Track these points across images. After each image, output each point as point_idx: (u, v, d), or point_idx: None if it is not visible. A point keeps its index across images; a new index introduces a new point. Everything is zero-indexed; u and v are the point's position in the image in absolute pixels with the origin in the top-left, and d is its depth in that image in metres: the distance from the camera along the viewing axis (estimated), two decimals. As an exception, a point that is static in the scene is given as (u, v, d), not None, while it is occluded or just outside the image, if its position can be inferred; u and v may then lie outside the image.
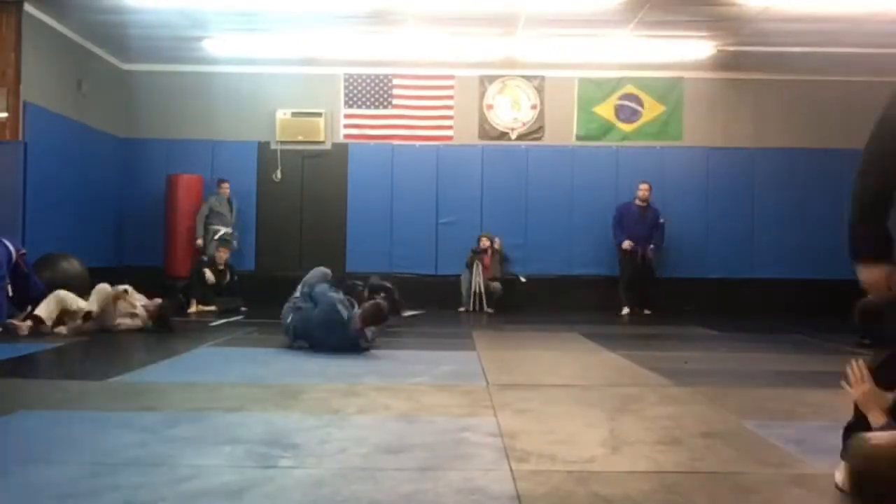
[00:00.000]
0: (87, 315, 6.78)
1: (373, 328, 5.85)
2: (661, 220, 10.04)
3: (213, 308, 8.92)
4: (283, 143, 10.62)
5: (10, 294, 6.88)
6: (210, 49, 9.69)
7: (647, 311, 9.85)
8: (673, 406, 3.87)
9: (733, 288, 10.42)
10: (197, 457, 2.81)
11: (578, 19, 8.49)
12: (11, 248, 6.96)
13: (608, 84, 10.74)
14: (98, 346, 6.11)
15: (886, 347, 2.56)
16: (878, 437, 2.33)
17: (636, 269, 9.88)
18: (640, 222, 9.95)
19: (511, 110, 10.79)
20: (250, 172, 10.67)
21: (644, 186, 9.98)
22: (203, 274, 9.06)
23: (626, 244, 9.84)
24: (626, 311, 9.82)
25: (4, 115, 8.01)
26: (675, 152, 10.70)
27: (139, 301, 7.10)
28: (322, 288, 5.93)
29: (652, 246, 9.91)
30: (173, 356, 5.46)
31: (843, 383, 2.52)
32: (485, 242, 10.12)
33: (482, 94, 10.77)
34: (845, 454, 2.47)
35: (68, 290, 7.00)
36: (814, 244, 10.51)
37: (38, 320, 6.63)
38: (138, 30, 9.07)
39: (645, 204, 9.99)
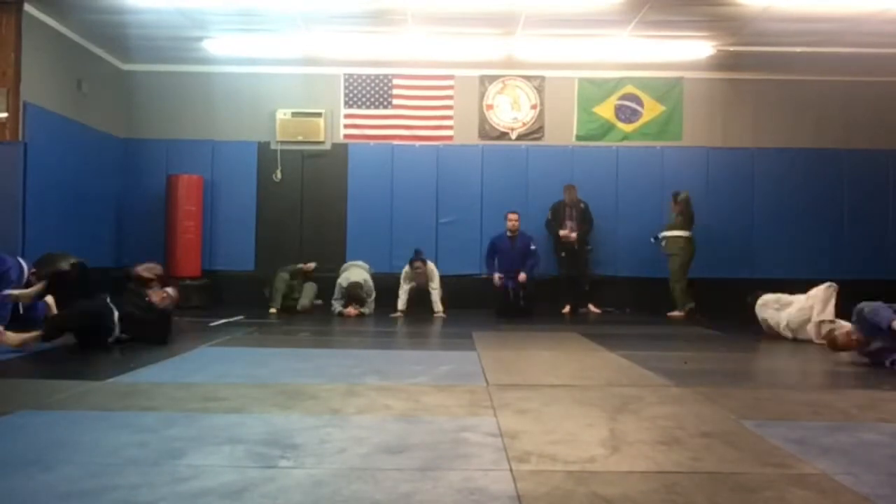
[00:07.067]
0: None
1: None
2: (533, 248, 9.70)
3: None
4: (283, 143, 10.62)
5: (21, 311, 6.90)
6: (210, 49, 9.69)
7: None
8: (673, 406, 3.87)
9: (733, 288, 10.40)
10: (197, 457, 2.81)
11: (578, 19, 8.49)
12: (25, 266, 7.09)
13: (608, 84, 10.74)
14: (98, 347, 6.09)
15: None
16: None
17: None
18: (511, 252, 9.70)
19: (511, 110, 10.79)
20: (250, 172, 10.67)
21: (512, 217, 9.71)
22: None
23: (497, 278, 9.56)
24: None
25: (4, 115, 8.01)
26: (674, 152, 10.70)
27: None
28: None
29: (523, 275, 9.52)
30: (173, 356, 5.46)
31: None
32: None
33: (482, 94, 10.76)
34: None
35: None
36: (814, 244, 10.52)
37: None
38: (138, 30, 9.07)
39: (514, 234, 9.74)
